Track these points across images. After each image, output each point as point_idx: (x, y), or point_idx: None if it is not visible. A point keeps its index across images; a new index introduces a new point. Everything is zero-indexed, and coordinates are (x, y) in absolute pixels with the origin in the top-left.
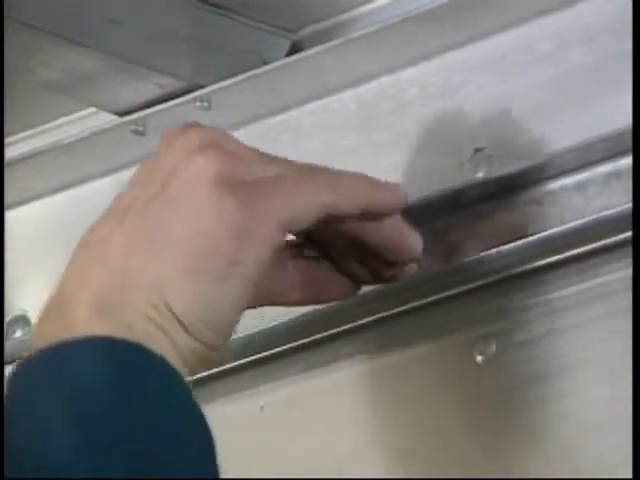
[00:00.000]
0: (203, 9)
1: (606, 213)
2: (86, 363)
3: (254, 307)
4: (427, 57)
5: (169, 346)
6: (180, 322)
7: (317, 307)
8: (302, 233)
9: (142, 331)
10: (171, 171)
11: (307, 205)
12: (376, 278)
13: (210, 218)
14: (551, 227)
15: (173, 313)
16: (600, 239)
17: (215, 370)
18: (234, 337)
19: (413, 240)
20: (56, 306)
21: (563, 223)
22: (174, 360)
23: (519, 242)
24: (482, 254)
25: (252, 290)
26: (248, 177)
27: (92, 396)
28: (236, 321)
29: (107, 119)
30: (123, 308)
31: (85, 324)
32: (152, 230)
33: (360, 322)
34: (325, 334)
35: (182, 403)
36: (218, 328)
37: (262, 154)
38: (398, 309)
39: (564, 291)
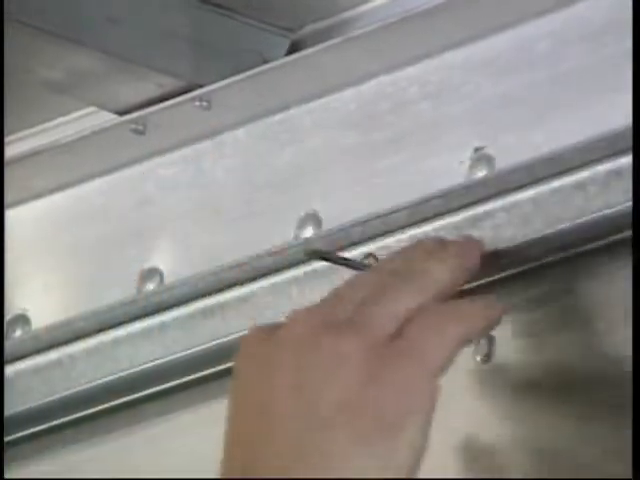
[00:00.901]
0: (203, 9)
1: (606, 212)
2: None
3: None
4: (427, 56)
5: None
6: None
7: None
8: None
9: None
10: (299, 365)
11: (454, 348)
12: None
13: (370, 383)
14: (551, 226)
15: None
16: (600, 238)
17: (214, 370)
18: (234, 336)
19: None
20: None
21: (563, 222)
22: None
23: (519, 242)
24: (483, 254)
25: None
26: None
27: None
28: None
29: (107, 118)
30: None
31: None
32: (332, 427)
33: None
34: None
35: None
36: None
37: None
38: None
39: (565, 290)
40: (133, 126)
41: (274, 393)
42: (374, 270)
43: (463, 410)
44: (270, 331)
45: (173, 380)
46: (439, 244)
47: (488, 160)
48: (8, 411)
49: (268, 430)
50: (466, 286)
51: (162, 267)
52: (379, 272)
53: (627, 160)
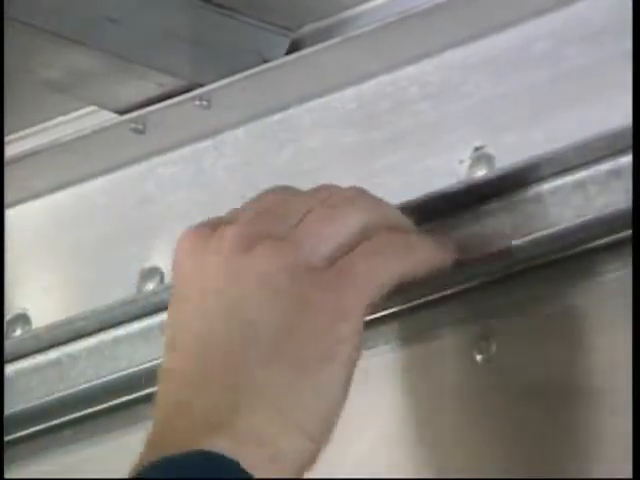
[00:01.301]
0: (203, 8)
1: (606, 212)
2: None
3: None
4: (426, 55)
5: (284, 454)
6: (296, 424)
7: None
8: None
9: (260, 441)
10: (227, 276)
11: (387, 282)
12: None
13: (298, 309)
14: (551, 226)
15: (286, 417)
16: (600, 238)
17: None
18: None
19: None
20: (175, 417)
21: (563, 222)
22: (287, 469)
23: (519, 241)
24: (482, 253)
25: (354, 369)
26: (314, 260)
27: None
28: (341, 411)
29: (107, 117)
30: (240, 419)
31: (203, 437)
32: (245, 338)
33: None
34: None
35: None
36: (330, 420)
37: (299, 228)
38: (397, 308)
39: (564, 290)
40: (133, 125)
41: (205, 301)
42: (322, 189)
43: (463, 410)
44: (209, 230)
45: None
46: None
47: (488, 159)
48: (8, 411)
49: (204, 357)
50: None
51: (162, 266)
52: (327, 191)
53: (627, 160)
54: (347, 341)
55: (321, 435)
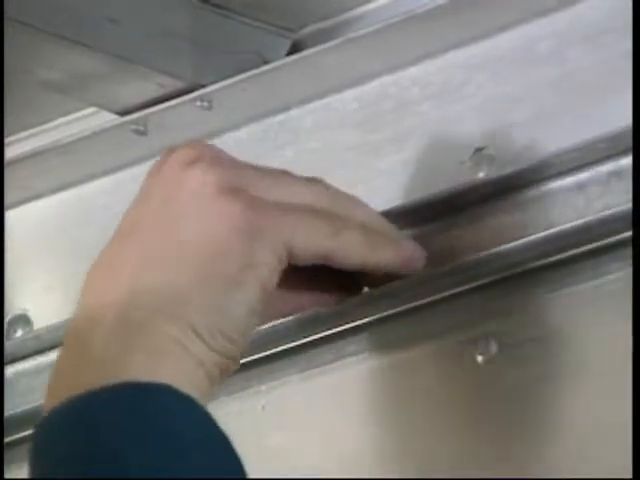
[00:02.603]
0: (204, 9)
1: (606, 213)
2: (116, 418)
3: (264, 323)
4: (428, 56)
5: (195, 365)
6: (198, 335)
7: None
8: None
9: (164, 352)
10: (168, 188)
11: (306, 246)
12: (377, 282)
13: (219, 223)
14: (552, 227)
15: (192, 328)
16: (600, 239)
17: None
18: None
19: (415, 259)
20: (74, 335)
21: (564, 223)
22: (201, 380)
23: (519, 242)
24: (482, 254)
25: (265, 297)
26: (252, 190)
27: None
28: (251, 330)
29: (108, 119)
30: (143, 329)
31: (108, 357)
32: (162, 244)
33: (360, 322)
34: (326, 334)
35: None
36: (236, 337)
37: (257, 168)
38: (398, 309)
39: (564, 291)
40: (134, 126)
41: (144, 214)
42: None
43: (463, 410)
44: (171, 151)
45: None
46: None
47: (489, 160)
48: (8, 411)
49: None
50: (468, 286)
51: None
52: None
53: (627, 161)
54: (256, 268)
55: (229, 353)
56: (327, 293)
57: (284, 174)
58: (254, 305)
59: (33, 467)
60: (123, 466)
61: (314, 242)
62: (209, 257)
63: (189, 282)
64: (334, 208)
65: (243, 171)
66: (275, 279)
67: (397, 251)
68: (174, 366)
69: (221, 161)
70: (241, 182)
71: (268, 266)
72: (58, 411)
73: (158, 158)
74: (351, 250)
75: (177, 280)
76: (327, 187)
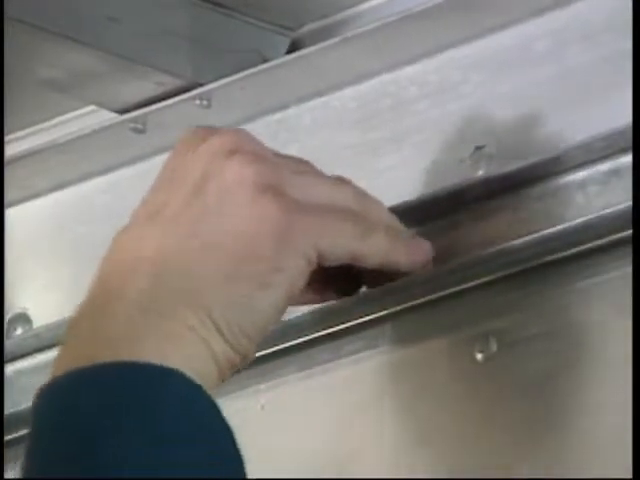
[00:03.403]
0: (203, 7)
1: (606, 211)
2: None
3: None
4: (427, 55)
5: (208, 356)
6: (218, 329)
7: (318, 305)
8: None
9: (182, 341)
10: (203, 176)
11: (335, 249)
12: (377, 281)
13: (253, 223)
14: (551, 225)
15: (212, 320)
16: (600, 237)
17: None
18: None
19: (429, 260)
20: (92, 305)
21: (563, 221)
22: (211, 371)
23: (519, 240)
24: (482, 252)
25: (291, 298)
26: (287, 189)
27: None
28: (270, 328)
29: (107, 117)
30: (163, 314)
31: (122, 335)
32: (190, 235)
33: (360, 321)
34: (326, 332)
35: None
36: (253, 335)
37: (289, 163)
38: (398, 308)
39: (564, 289)
40: (133, 125)
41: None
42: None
43: (463, 410)
44: (208, 132)
45: None
46: None
47: (488, 159)
48: (8, 409)
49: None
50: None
51: None
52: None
53: (627, 159)
54: (285, 272)
55: (245, 350)
56: (327, 290)
57: (315, 173)
58: (279, 306)
59: (28, 436)
60: (91, 454)
61: (343, 244)
62: (239, 257)
63: (216, 278)
64: (361, 209)
65: (279, 168)
66: (303, 281)
67: (415, 252)
68: (186, 353)
69: (258, 155)
70: (277, 181)
71: (298, 269)
72: (59, 383)
73: (157, 158)
74: (376, 252)
75: (203, 273)
76: (354, 188)
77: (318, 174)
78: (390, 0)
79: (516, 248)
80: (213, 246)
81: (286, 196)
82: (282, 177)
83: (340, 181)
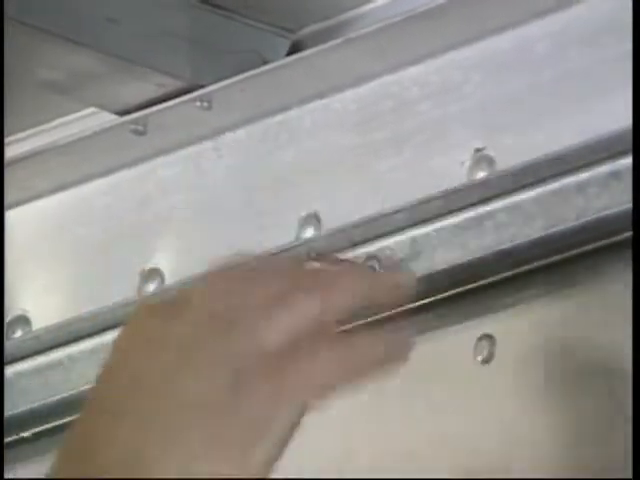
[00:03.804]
0: (203, 9)
1: (606, 213)
2: None
3: None
4: (427, 56)
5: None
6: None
7: None
8: None
9: None
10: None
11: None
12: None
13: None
14: (551, 227)
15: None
16: (600, 239)
17: None
18: None
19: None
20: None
21: (563, 223)
22: None
23: (519, 242)
24: (482, 254)
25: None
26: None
27: None
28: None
29: (107, 119)
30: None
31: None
32: (165, 405)
33: (360, 322)
34: None
35: None
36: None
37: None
38: (397, 310)
39: (564, 291)
40: (133, 127)
41: (151, 369)
42: (288, 269)
43: (463, 410)
44: (162, 308)
45: None
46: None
47: (489, 161)
48: (8, 412)
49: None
50: (468, 286)
51: (163, 268)
52: (292, 272)
53: (627, 161)
54: (277, 425)
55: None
56: None
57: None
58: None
59: None
60: None
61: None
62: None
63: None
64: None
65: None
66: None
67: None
68: None
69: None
70: (260, 343)
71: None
72: None
73: (157, 159)
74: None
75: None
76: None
77: (289, 295)
78: (391, 1)
79: (516, 250)
80: (214, 425)
81: (266, 357)
82: (262, 342)
83: (311, 291)
